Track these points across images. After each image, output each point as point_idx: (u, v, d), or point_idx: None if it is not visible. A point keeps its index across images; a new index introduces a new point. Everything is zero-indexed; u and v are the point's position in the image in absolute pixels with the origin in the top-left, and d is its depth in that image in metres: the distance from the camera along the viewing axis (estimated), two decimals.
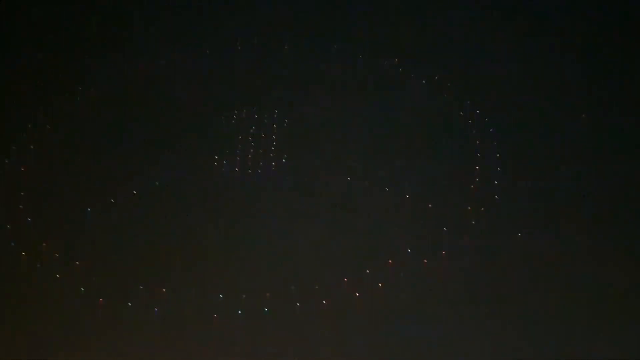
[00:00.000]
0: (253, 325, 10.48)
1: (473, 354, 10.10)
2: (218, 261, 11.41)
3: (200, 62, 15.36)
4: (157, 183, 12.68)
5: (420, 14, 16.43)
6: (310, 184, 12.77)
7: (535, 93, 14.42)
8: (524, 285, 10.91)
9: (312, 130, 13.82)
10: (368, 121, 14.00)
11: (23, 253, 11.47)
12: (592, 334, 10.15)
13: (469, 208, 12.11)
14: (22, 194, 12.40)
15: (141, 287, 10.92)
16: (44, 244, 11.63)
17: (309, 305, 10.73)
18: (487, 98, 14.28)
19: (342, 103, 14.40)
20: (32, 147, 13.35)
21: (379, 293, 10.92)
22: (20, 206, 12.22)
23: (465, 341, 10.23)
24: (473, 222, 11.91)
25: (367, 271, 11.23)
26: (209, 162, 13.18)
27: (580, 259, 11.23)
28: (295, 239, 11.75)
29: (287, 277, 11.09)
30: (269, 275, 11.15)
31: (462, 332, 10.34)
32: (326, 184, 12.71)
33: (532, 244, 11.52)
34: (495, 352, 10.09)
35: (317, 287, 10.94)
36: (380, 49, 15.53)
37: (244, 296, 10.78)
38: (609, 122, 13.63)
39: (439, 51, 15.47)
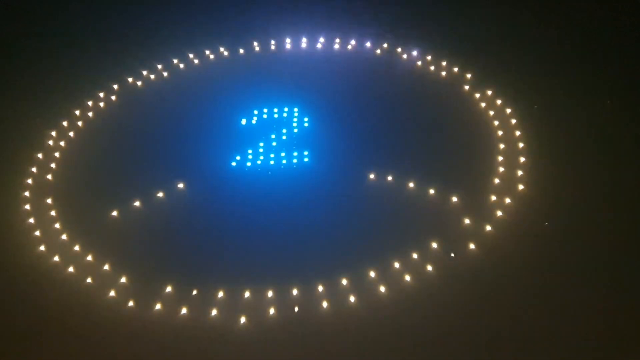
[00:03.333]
0: (283, 323, 10.35)
1: (504, 346, 9.99)
2: (244, 260, 11.29)
3: (220, 62, 15.42)
4: (180, 186, 12.74)
5: (439, 6, 16.35)
6: (332, 180, 12.62)
7: (559, 81, 14.21)
8: (553, 277, 10.57)
9: (333, 127, 13.79)
10: (388, 115, 13.89)
11: (56, 259, 11.58)
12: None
13: (494, 199, 12.00)
14: (49, 201, 12.52)
15: (169, 289, 11.00)
16: (76, 248, 11.72)
17: (337, 302, 10.60)
18: (508, 87, 14.12)
19: (362, 98, 14.33)
20: (56, 154, 13.51)
21: (405, 286, 10.82)
22: (52, 213, 12.34)
23: (497, 334, 10.10)
24: (499, 214, 11.80)
25: (397, 265, 11.21)
26: (231, 161, 13.17)
27: (612, 249, 10.80)
28: (320, 235, 11.56)
29: (313, 274, 10.94)
30: (294, 272, 11.00)
31: (495, 324, 10.14)
32: (348, 180, 12.58)
33: (560, 234, 11.21)
34: (524, 345, 9.89)
35: (344, 283, 10.90)
36: (399, 42, 15.44)
37: (271, 294, 10.77)
38: (636, 109, 13.38)
39: (458, 42, 15.34)
